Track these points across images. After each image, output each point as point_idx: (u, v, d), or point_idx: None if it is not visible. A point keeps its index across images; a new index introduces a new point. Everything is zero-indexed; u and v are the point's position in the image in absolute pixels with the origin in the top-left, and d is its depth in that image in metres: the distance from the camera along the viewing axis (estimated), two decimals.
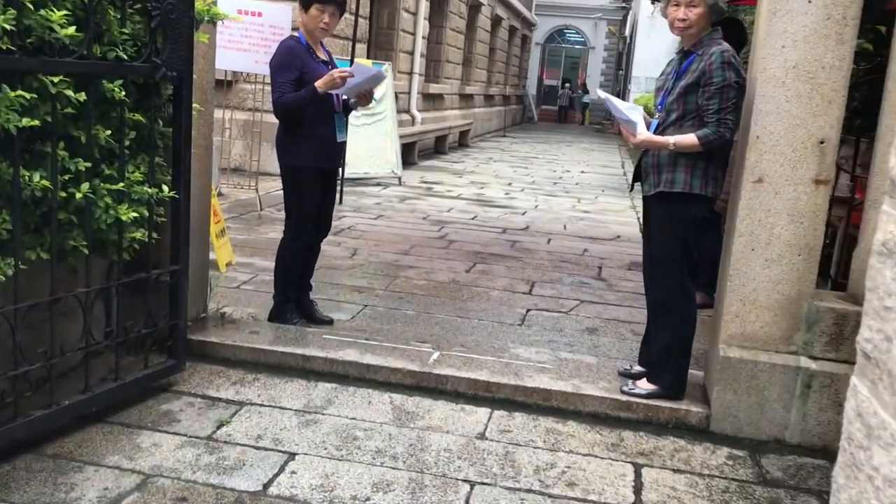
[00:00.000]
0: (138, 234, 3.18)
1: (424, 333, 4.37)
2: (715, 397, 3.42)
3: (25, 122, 2.57)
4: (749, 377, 3.38)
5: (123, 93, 2.97)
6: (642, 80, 24.97)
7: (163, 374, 3.45)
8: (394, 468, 2.92)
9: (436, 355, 3.81)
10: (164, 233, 3.46)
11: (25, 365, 2.79)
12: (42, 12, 2.61)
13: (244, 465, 2.87)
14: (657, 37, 24.53)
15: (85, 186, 2.87)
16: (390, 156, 10.56)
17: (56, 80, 2.69)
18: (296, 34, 4.03)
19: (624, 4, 33.77)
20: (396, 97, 12.10)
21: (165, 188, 3.24)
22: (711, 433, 3.43)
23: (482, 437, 3.24)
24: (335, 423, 3.25)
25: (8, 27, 2.47)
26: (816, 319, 3.34)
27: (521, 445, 3.19)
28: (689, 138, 3.30)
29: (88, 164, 2.89)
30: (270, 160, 6.19)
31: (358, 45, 10.87)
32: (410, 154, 13.08)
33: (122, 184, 3.03)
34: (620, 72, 33.67)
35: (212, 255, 5.36)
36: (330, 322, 4.33)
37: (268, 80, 4.03)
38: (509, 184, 11.86)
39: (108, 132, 3.00)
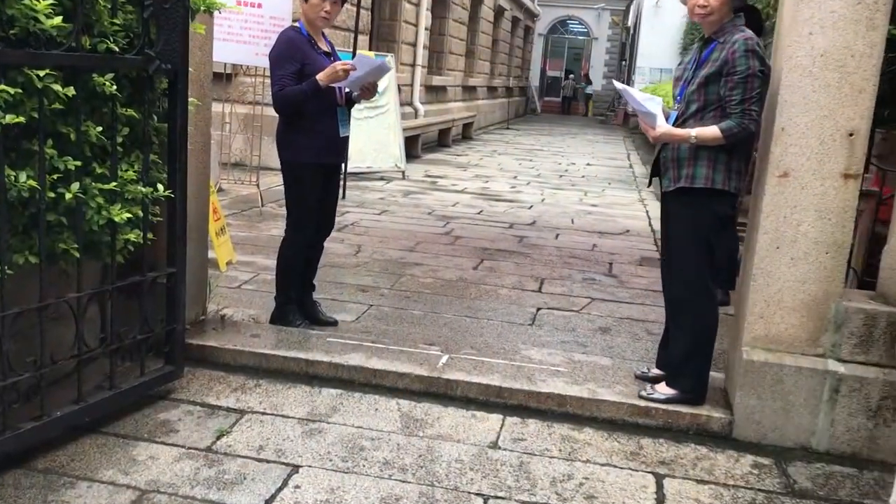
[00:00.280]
0: (132, 236, 3.02)
1: (432, 335, 4.22)
2: (738, 402, 3.27)
3: (10, 118, 2.42)
4: (774, 381, 3.22)
5: (115, 87, 2.81)
6: (647, 71, 24.79)
7: (160, 382, 3.30)
8: (403, 481, 2.77)
9: (444, 359, 3.65)
10: (161, 233, 3.31)
11: (14, 375, 2.64)
12: (26, 1, 2.45)
13: (245, 479, 2.73)
14: (661, 26, 24.36)
15: (75, 186, 2.72)
16: (393, 149, 10.40)
17: (42, 73, 2.52)
18: (296, 24, 3.87)
19: None
20: (399, 89, 11.92)
21: (161, 187, 3.08)
22: (734, 440, 3.27)
23: (495, 446, 3.08)
24: (340, 433, 3.10)
25: None
26: (845, 320, 3.18)
27: (535, 455, 3.04)
28: (711, 131, 3.14)
29: (78, 163, 2.73)
30: (272, 154, 6.04)
31: (360, 38, 10.70)
32: (414, 147, 12.91)
33: (114, 183, 2.88)
34: (624, 62, 33.42)
35: (211, 254, 5.22)
36: (334, 323, 4.18)
37: (268, 72, 3.88)
38: (515, 177, 11.69)
39: (99, 129, 2.84)
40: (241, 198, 7.73)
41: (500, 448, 3.07)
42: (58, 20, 2.53)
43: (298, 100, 3.71)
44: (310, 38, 3.82)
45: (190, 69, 3.49)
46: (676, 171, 3.26)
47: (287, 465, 2.84)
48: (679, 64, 3.51)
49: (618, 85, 3.39)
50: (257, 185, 7.45)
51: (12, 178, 2.52)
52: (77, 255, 2.80)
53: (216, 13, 6.13)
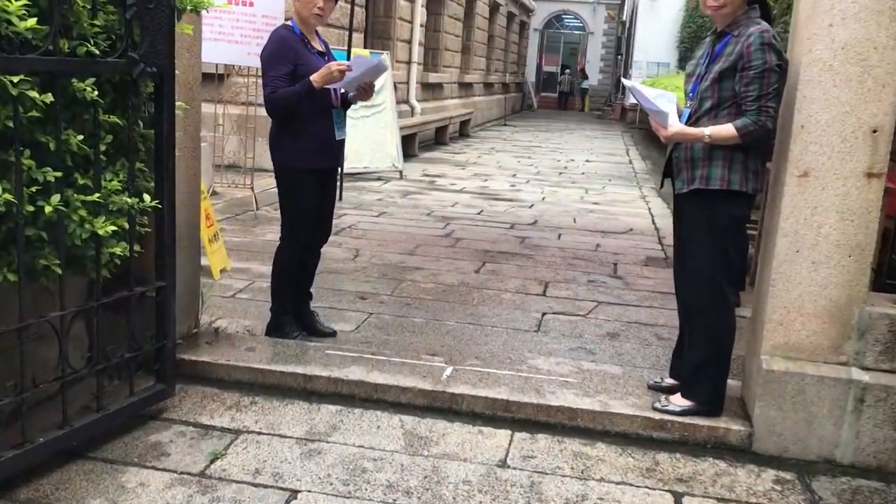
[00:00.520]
0: (118, 249, 2.86)
1: (435, 344, 4.06)
2: (757, 414, 3.11)
3: None
4: (795, 391, 3.07)
5: (96, 92, 2.65)
6: (644, 65, 24.61)
7: (150, 401, 3.14)
8: None
9: (449, 371, 3.49)
10: (149, 244, 3.15)
11: None
12: None
13: None
14: (658, 20, 24.19)
15: (55, 199, 2.55)
16: (390, 149, 10.23)
17: (16, 79, 2.36)
18: (289, 23, 3.71)
19: None
20: (395, 87, 11.75)
21: (147, 197, 2.92)
22: (754, 453, 3.12)
23: (503, 464, 2.93)
24: (341, 453, 2.94)
25: None
26: (869, 327, 3.03)
27: (546, 474, 2.88)
28: (726, 129, 2.98)
29: (59, 174, 2.56)
30: (266, 156, 5.86)
31: (354, 35, 10.52)
32: (411, 146, 12.74)
33: (97, 194, 2.71)
34: (620, 56, 33.25)
35: (204, 262, 5.06)
36: (333, 334, 4.02)
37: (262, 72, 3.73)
38: (514, 175, 11.53)
39: (81, 137, 2.68)
40: (235, 201, 7.56)
41: (509, 467, 2.91)
42: (32, 22, 2.37)
43: (292, 102, 3.55)
44: (303, 37, 3.66)
45: (177, 72, 3.33)
46: (690, 171, 3.10)
47: (285, 490, 2.68)
48: (691, 59, 3.35)
49: (627, 83, 3.23)
50: (252, 188, 7.28)
51: None
52: (59, 271, 2.64)
53: (205, 12, 5.97)
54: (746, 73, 2.95)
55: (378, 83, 10.68)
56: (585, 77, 34.93)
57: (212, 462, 2.84)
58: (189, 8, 3.15)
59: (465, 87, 19.72)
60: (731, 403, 3.30)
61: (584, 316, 4.70)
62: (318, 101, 3.61)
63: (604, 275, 5.74)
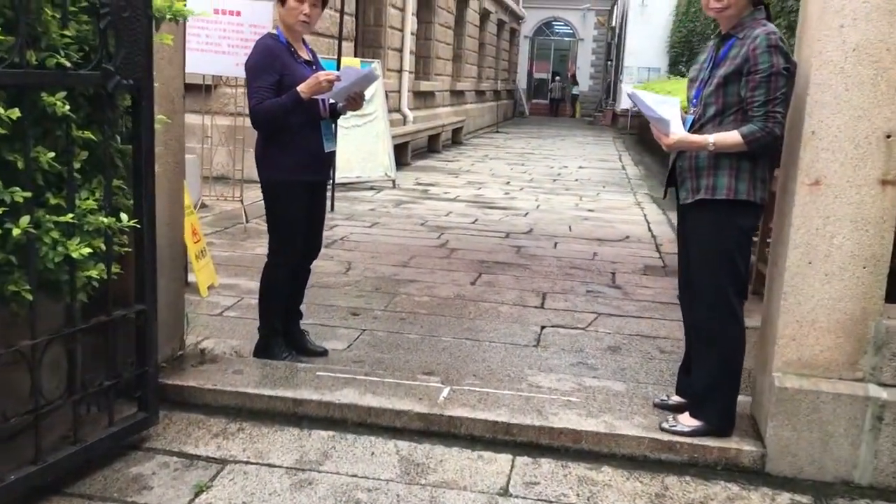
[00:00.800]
0: (94, 272, 2.70)
1: (431, 362, 3.91)
2: (770, 434, 2.97)
3: None
4: (810, 410, 2.92)
5: (67, 107, 2.50)
6: (635, 70, 24.59)
7: (132, 431, 2.97)
8: None
9: (446, 392, 3.34)
10: (130, 265, 2.99)
11: None
12: None
13: None
14: (648, 25, 24.19)
15: (25, 220, 2.39)
16: (383, 158, 10.09)
17: None
18: (274, 32, 3.56)
19: None
20: (387, 96, 11.62)
21: (125, 216, 2.76)
22: (767, 475, 2.97)
23: (505, 492, 2.77)
24: (333, 484, 2.78)
25: None
26: (886, 341, 2.89)
27: (551, 502, 2.73)
28: (732, 136, 2.85)
29: (28, 194, 2.41)
30: (255, 167, 5.74)
31: (344, 44, 10.39)
32: (403, 154, 12.60)
33: (70, 214, 2.56)
34: (610, 62, 33.24)
35: (192, 278, 4.90)
36: (324, 353, 3.87)
37: None
38: (507, 182, 11.40)
39: (52, 154, 2.52)
40: (224, 214, 7.41)
41: (511, 495, 2.76)
42: None
43: (278, 114, 3.41)
44: (289, 46, 3.51)
45: (157, 84, 3.19)
46: (695, 181, 2.97)
47: None
48: (693, 63, 3.22)
49: (627, 89, 3.11)
50: (241, 201, 7.12)
51: None
52: (30, 297, 2.48)
53: (191, 22, 5.81)
54: (753, 77, 2.82)
55: (369, 92, 10.50)
56: (576, 83, 34.91)
57: (196, 495, 2.67)
58: (168, 17, 3.00)
59: (457, 95, 19.62)
60: (740, 422, 3.16)
61: (584, 329, 4.55)
62: (305, 113, 3.47)
63: (602, 284, 5.60)
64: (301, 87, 3.38)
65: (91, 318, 2.84)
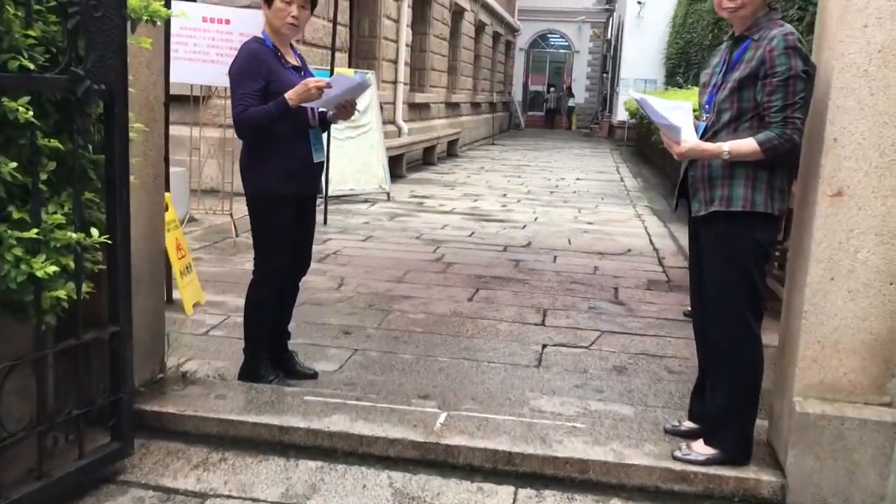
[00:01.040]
0: (62, 292, 2.49)
1: (427, 384, 3.70)
2: (791, 463, 2.77)
3: None
4: (834, 437, 2.72)
5: (31, 113, 2.30)
6: (631, 82, 24.45)
7: (104, 462, 2.76)
8: None
9: (442, 417, 3.13)
10: (104, 283, 2.78)
11: None
12: None
13: None
14: (644, 37, 24.11)
15: None
16: (377, 170, 9.90)
17: None
18: (260, 36, 3.37)
19: (607, 6, 33.32)
20: (381, 108, 11.45)
21: (95, 231, 2.56)
22: None
23: None
24: None
25: None
26: None
27: None
28: (748, 144, 2.66)
29: None
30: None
31: (338, 55, 10.22)
32: (398, 167, 12.43)
33: (35, 230, 2.35)
34: (606, 74, 33.19)
35: (176, 295, 4.70)
36: (313, 376, 3.66)
37: None
38: (504, 195, 11.21)
39: (15, 164, 2.32)
40: (213, 228, 7.20)
41: None
42: None
43: (264, 122, 3.21)
44: (276, 51, 3.33)
45: (136, 90, 3.01)
46: (708, 192, 2.77)
47: None
48: (706, 67, 3.04)
49: (635, 95, 2.90)
50: (230, 214, 6.91)
51: None
52: None
53: (178, 31, 5.62)
54: (769, 81, 2.64)
55: (363, 103, 10.28)
56: (572, 95, 34.85)
57: None
58: (145, 18, 2.81)
59: (453, 107, 19.47)
60: (757, 449, 2.95)
61: (588, 347, 4.35)
62: (293, 121, 3.28)
63: (604, 300, 5.40)
64: (289, 94, 3.19)
65: (63, 340, 2.64)
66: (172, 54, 5.96)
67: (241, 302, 3.54)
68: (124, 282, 2.75)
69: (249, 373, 3.48)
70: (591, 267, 6.46)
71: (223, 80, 6.38)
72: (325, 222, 7.91)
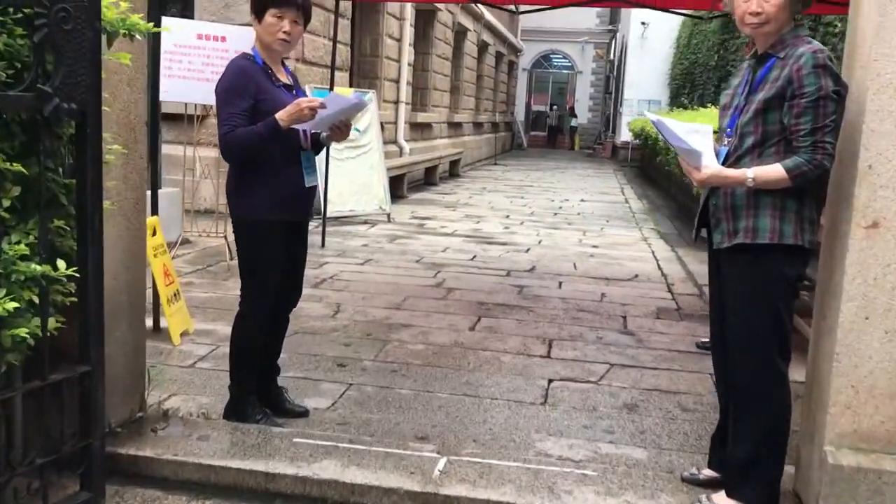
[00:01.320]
0: (24, 331, 2.27)
1: (425, 424, 3.46)
2: None
3: None
4: (870, 492, 2.48)
5: None
6: (635, 103, 24.37)
7: None
8: None
9: (442, 463, 2.89)
10: (76, 316, 2.56)
11: None
12: None
13: None
14: (648, 57, 24.02)
15: None
16: (377, 190, 9.71)
17: None
18: (249, 52, 3.17)
19: (611, 27, 33.32)
20: (382, 127, 11.28)
21: (62, 263, 2.34)
22: None
23: None
24: None
25: None
26: None
27: None
28: (775, 170, 2.45)
29: None
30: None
31: (340, 74, 10.07)
32: (399, 187, 12.24)
33: None
34: (609, 95, 33.12)
35: (164, 324, 4.48)
36: (304, 414, 3.43)
37: None
38: (507, 216, 11.01)
39: None
40: (208, 250, 6.99)
41: None
42: None
43: (253, 144, 3.01)
44: (266, 68, 3.13)
45: (116, 109, 2.83)
46: (732, 223, 2.56)
47: None
48: (725, 88, 2.83)
49: (651, 117, 2.69)
50: (225, 237, 6.70)
51: None
52: None
53: (172, 48, 5.43)
54: (798, 102, 2.43)
55: (363, 123, 10.07)
56: (574, 116, 34.77)
57: None
58: (122, 32, 2.61)
59: (455, 127, 19.33)
60: (784, 500, 2.71)
61: (596, 383, 4.11)
62: (284, 143, 3.07)
63: (613, 330, 5.17)
64: (280, 115, 2.99)
65: (32, 380, 2.42)
66: (166, 72, 5.80)
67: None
68: (96, 317, 2.53)
69: (235, 411, 3.25)
70: (597, 294, 6.23)
71: None
72: (323, 245, 7.70)
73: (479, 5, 14.19)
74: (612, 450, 3.27)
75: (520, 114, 35.04)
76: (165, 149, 8.05)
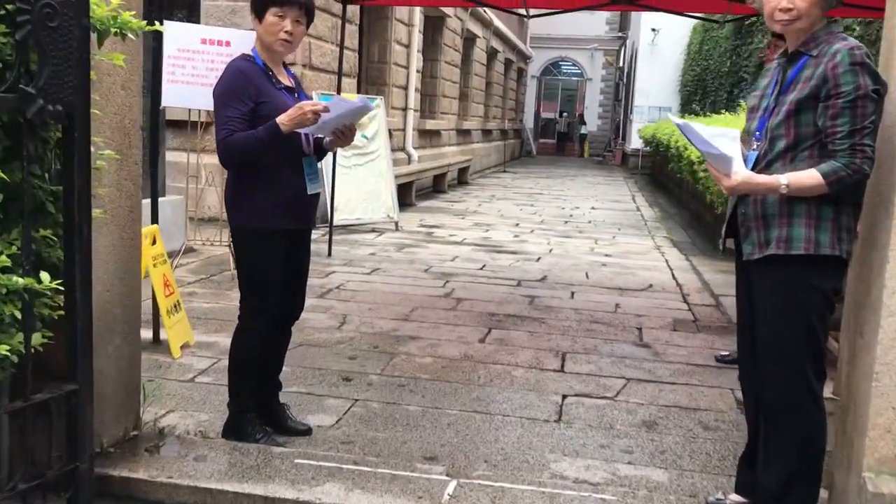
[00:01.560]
0: (4, 348, 2.12)
1: (434, 443, 3.29)
2: None
3: None
4: None
5: None
6: (645, 110, 24.19)
7: None
8: None
9: (451, 487, 2.72)
10: (63, 332, 2.42)
11: None
12: None
13: None
14: (658, 64, 23.84)
15: None
16: (385, 198, 9.56)
17: None
18: (249, 53, 3.03)
19: (620, 34, 33.17)
20: (391, 134, 11.14)
21: (46, 276, 2.19)
22: None
23: None
24: None
25: None
26: None
27: None
28: (810, 176, 2.29)
29: None
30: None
31: (348, 80, 9.96)
32: (407, 195, 12.09)
33: None
34: (619, 102, 32.94)
35: (164, 336, 4.33)
36: (307, 432, 3.27)
37: None
38: (517, 224, 10.84)
39: None
40: (212, 259, 6.85)
41: None
42: None
43: (253, 149, 2.86)
44: (267, 70, 2.98)
45: (103, 112, 2.67)
46: (763, 232, 2.39)
47: None
48: (753, 90, 2.67)
49: (677, 121, 2.53)
50: (229, 245, 6.55)
51: None
52: None
53: (175, 53, 5.30)
54: (834, 103, 2.27)
55: (371, 130, 9.91)
56: (583, 123, 34.62)
57: None
58: (114, 31, 2.47)
59: (464, 134, 19.20)
60: None
61: (613, 398, 3.93)
62: (285, 148, 2.92)
63: (628, 342, 4.99)
64: (281, 119, 2.84)
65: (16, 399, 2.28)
66: (169, 77, 5.66)
67: None
68: (83, 332, 2.37)
69: (234, 430, 3.09)
70: (611, 304, 6.05)
71: None
72: (329, 253, 7.55)
73: (488, 11, 14.06)
74: (632, 471, 3.10)
75: (529, 121, 34.90)
76: (170, 156, 7.93)
